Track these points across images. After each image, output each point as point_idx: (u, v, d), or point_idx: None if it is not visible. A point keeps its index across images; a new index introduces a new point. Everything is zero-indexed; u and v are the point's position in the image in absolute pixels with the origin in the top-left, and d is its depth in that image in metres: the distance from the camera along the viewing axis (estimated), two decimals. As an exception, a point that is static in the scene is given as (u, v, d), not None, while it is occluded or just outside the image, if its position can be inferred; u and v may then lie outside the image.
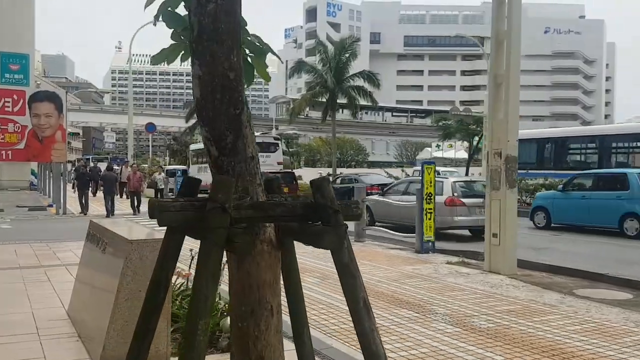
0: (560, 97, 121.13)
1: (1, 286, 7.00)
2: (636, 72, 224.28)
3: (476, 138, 35.59)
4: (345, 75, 29.43)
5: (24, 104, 17.57)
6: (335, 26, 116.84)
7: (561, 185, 15.73)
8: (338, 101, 30.73)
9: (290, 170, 27.72)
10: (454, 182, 13.89)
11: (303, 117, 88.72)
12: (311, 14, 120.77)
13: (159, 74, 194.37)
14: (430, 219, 9.70)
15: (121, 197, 23.73)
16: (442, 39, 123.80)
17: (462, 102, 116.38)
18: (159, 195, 21.99)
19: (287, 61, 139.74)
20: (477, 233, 12.44)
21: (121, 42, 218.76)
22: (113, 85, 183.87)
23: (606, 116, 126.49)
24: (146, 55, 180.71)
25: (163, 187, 22.82)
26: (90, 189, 21.29)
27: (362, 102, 31.91)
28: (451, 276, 7.56)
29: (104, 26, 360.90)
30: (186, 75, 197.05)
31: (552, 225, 15.02)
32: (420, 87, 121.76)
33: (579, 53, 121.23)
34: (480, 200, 11.47)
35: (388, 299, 6.20)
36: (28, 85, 30.82)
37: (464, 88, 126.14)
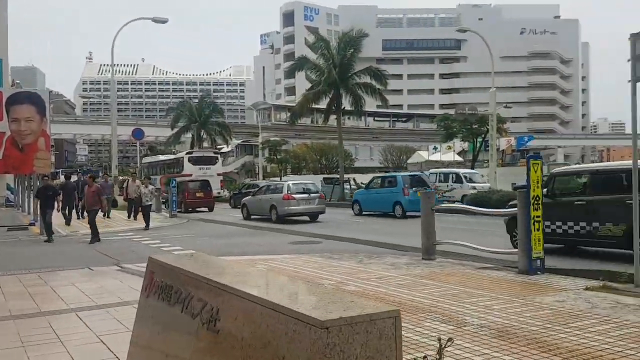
0: (537, 98, 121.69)
1: (-9, 357, 4.68)
2: (609, 71, 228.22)
3: (479, 138, 33.89)
4: (350, 72, 27.24)
5: (1, 107, 15.03)
6: (314, 30, 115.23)
7: (364, 184, 22.93)
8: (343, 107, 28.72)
9: (206, 179, 29.46)
10: (289, 183, 20.78)
11: (284, 122, 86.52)
12: (288, 18, 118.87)
13: (131, 84, 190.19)
14: (539, 229, 7.63)
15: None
16: (420, 42, 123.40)
17: (442, 106, 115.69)
18: (133, 212, 18.76)
19: (263, 67, 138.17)
20: (312, 217, 19.89)
21: (92, 53, 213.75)
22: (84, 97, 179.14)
23: (583, 115, 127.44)
24: (118, 65, 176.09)
25: (151, 203, 19.16)
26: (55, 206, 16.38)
27: (370, 101, 29.80)
28: (627, 312, 5.46)
29: (72, 38, 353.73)
30: (158, 84, 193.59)
31: (363, 212, 21.68)
32: (400, 92, 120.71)
33: (555, 53, 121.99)
34: (306, 195, 19.74)
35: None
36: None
37: (442, 91, 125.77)
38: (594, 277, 7.32)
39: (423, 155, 52.72)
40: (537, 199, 7.66)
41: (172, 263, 3.08)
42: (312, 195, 19.92)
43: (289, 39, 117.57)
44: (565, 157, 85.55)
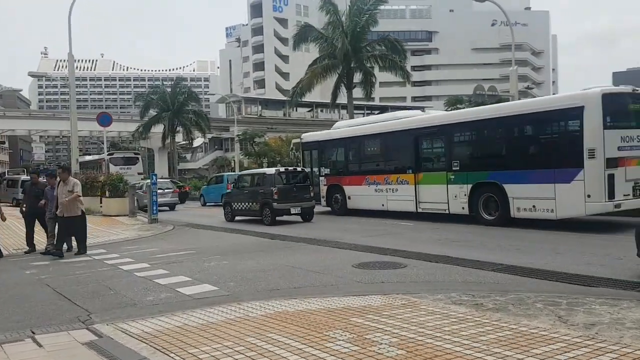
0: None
1: None
2: (575, 63, 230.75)
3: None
4: (364, 43, 22.78)
5: None
6: (283, 22, 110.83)
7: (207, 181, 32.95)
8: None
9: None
10: (148, 182, 23.10)
11: (256, 116, 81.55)
12: (256, 10, 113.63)
13: (89, 80, 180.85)
14: None
15: None
16: (391, 33, 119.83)
17: (414, 98, 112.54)
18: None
19: (230, 61, 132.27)
20: (170, 207, 26.48)
21: (47, 48, 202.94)
22: (40, 94, 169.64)
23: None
24: (75, 60, 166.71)
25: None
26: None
27: (384, 76, 25.60)
28: None
29: (24, 36, 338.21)
30: (119, 80, 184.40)
31: (207, 204, 29.05)
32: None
33: (526, 45, 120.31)
34: (161, 190, 23.90)
35: None
36: None
37: (414, 84, 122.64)
38: None
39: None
40: None
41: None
42: (166, 190, 25.74)
43: (257, 31, 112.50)
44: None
